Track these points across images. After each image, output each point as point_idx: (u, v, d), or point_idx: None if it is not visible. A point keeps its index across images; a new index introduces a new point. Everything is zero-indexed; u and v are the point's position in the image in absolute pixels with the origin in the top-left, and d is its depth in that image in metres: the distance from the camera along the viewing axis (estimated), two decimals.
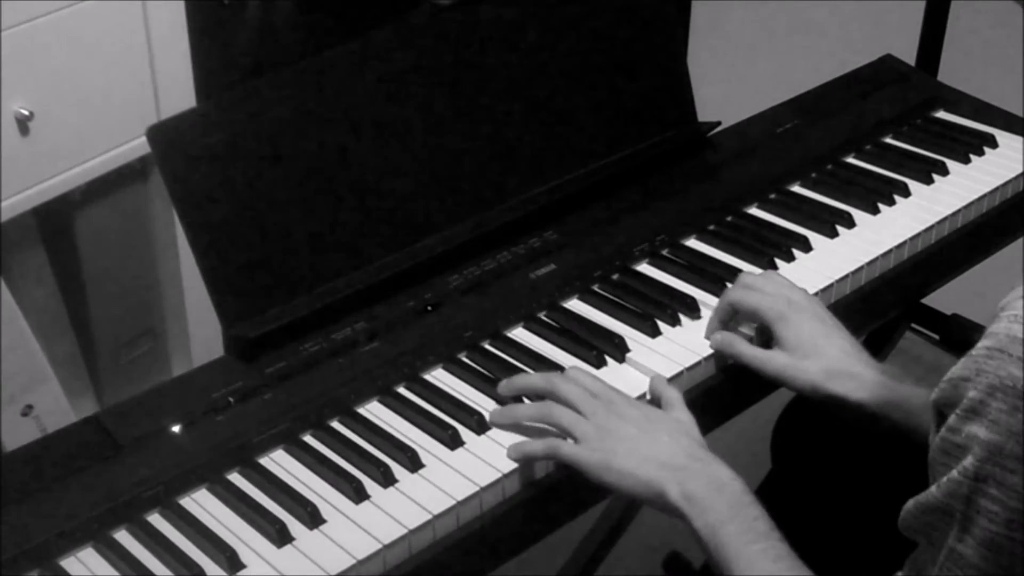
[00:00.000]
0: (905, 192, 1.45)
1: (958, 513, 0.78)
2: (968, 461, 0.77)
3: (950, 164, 1.50)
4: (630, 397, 1.11)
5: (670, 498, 1.01)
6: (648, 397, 1.14)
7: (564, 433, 1.08)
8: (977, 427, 0.76)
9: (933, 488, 0.80)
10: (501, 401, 1.14)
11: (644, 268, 1.33)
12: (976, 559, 0.78)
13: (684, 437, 1.06)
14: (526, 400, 1.14)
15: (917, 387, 1.11)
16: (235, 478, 1.08)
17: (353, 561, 1.00)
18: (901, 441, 1.11)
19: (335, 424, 1.14)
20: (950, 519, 0.79)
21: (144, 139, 1.16)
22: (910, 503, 0.83)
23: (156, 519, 1.05)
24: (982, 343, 0.78)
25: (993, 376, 0.76)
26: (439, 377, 1.19)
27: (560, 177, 1.37)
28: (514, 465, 1.07)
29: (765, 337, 1.19)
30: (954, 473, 0.78)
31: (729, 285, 1.24)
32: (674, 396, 1.11)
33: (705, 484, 1.01)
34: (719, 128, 1.52)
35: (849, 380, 1.12)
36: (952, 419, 0.78)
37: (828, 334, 1.15)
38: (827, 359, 1.14)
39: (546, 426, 1.10)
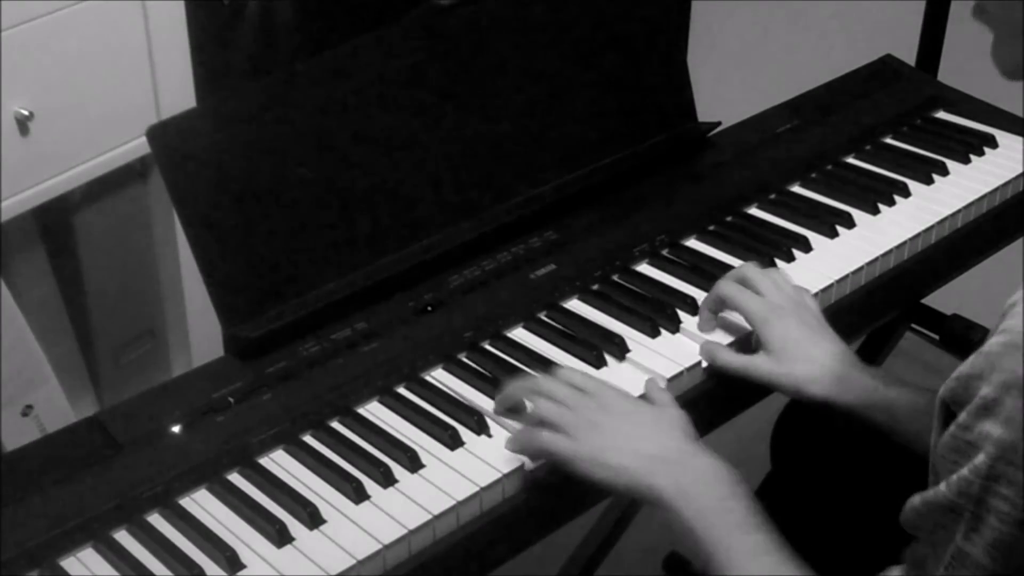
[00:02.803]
0: (905, 192, 1.45)
1: (967, 512, 0.77)
2: (980, 459, 0.75)
3: (950, 164, 1.50)
4: (619, 389, 1.10)
5: (662, 492, 0.99)
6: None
7: (554, 429, 1.07)
8: (990, 425, 0.75)
9: (942, 486, 0.79)
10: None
11: (644, 268, 1.33)
12: (984, 559, 0.77)
13: (675, 430, 1.05)
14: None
15: (904, 389, 1.11)
16: (235, 478, 1.08)
17: (353, 561, 0.99)
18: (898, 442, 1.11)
19: (335, 424, 1.13)
20: (958, 518, 0.78)
21: (144, 139, 1.16)
22: (916, 500, 0.82)
23: (156, 519, 1.04)
24: (995, 339, 0.77)
25: (1008, 373, 0.74)
26: (439, 377, 1.19)
27: (560, 177, 1.37)
28: (514, 465, 1.07)
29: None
30: (964, 471, 0.76)
31: None
32: (665, 396, 1.11)
33: (698, 477, 1.00)
34: (719, 128, 1.52)
35: (834, 382, 1.12)
36: (963, 416, 0.77)
37: (813, 338, 1.15)
38: (811, 363, 1.14)
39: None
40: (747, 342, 1.20)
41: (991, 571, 0.77)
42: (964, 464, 0.77)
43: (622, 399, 1.08)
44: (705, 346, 1.20)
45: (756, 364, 1.16)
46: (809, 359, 1.14)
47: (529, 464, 1.08)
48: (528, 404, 1.11)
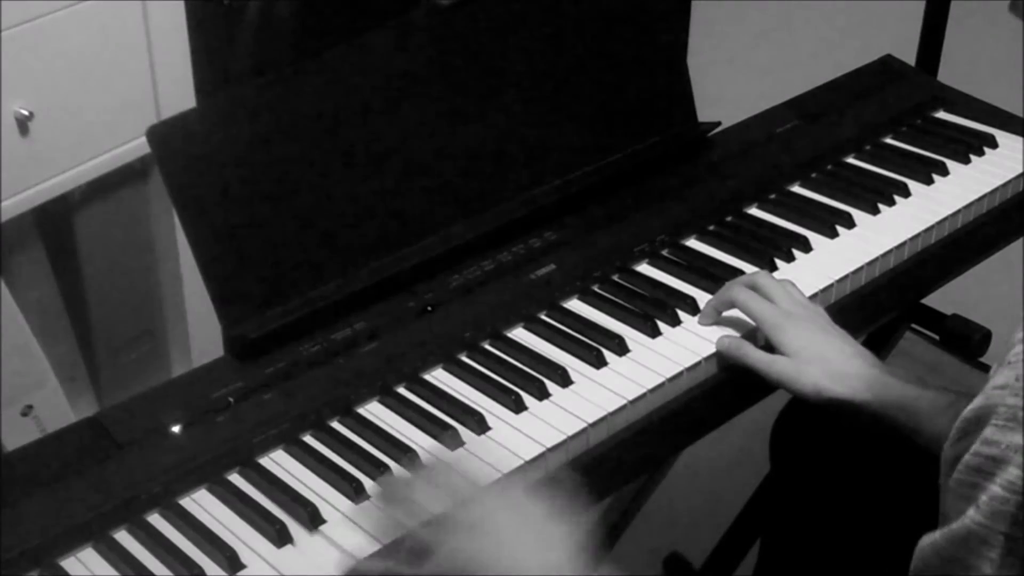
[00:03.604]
0: (905, 192, 1.45)
1: (1001, 535, 0.72)
2: (1013, 474, 0.71)
3: (950, 164, 1.50)
4: (517, 496, 0.99)
5: None
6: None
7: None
8: (1020, 437, 0.71)
9: (970, 512, 0.73)
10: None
11: (644, 268, 1.33)
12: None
13: (556, 553, 0.94)
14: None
15: (924, 388, 1.10)
16: (235, 478, 1.08)
17: (353, 562, 0.99)
18: (900, 442, 1.10)
19: (335, 424, 1.13)
20: (986, 545, 0.73)
21: (144, 139, 1.16)
22: (936, 537, 0.77)
23: (156, 519, 1.04)
24: (1018, 348, 0.74)
25: None
26: (439, 377, 1.19)
27: (560, 177, 1.37)
28: (514, 465, 1.07)
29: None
30: (996, 489, 0.72)
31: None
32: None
33: None
34: (719, 128, 1.52)
35: (853, 380, 1.12)
36: (989, 430, 0.73)
37: (828, 339, 1.15)
38: (830, 361, 1.13)
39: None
40: (750, 339, 1.20)
41: None
42: (987, 483, 0.72)
43: (513, 505, 0.96)
44: (727, 341, 1.19)
45: (776, 361, 1.15)
46: (826, 359, 1.13)
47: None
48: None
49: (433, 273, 1.27)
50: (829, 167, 1.51)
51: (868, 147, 1.55)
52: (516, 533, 0.93)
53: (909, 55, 1.90)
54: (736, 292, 1.20)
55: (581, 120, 1.39)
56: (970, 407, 0.76)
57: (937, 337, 1.85)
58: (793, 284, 1.23)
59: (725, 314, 1.23)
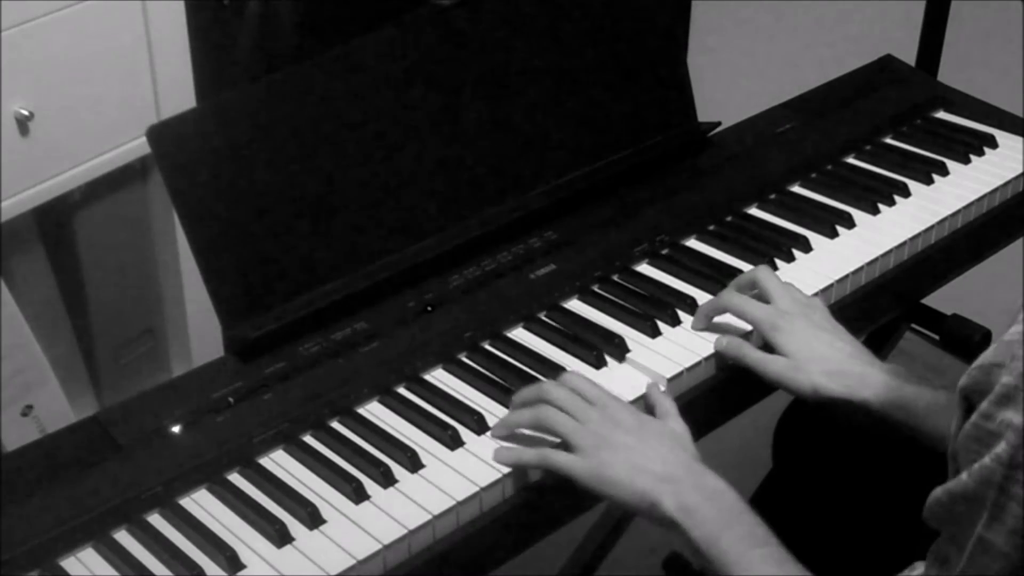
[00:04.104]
0: (905, 192, 1.45)
1: (989, 501, 0.76)
2: (1001, 448, 0.75)
3: (950, 164, 1.50)
4: (625, 403, 1.09)
5: (665, 510, 0.99)
6: (644, 403, 1.14)
7: (560, 439, 1.06)
8: (1012, 413, 0.74)
9: (964, 476, 0.78)
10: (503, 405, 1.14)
11: (644, 268, 1.33)
12: (1006, 547, 0.76)
13: (678, 448, 1.04)
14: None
15: (922, 387, 1.10)
16: (235, 478, 1.08)
17: (353, 561, 1.00)
18: (902, 441, 1.10)
19: (335, 424, 1.13)
20: (980, 508, 0.77)
21: (144, 139, 1.16)
22: (939, 492, 0.81)
23: (156, 519, 1.04)
24: (1016, 328, 0.77)
25: None
26: (439, 377, 1.19)
27: (560, 177, 1.37)
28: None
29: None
30: (987, 460, 0.76)
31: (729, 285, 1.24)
32: (669, 406, 1.10)
33: (701, 495, 1.00)
34: (719, 128, 1.52)
35: (851, 379, 1.12)
36: (985, 405, 0.77)
37: (825, 337, 1.15)
38: (827, 361, 1.13)
39: (542, 434, 1.09)
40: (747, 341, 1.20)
41: (1013, 560, 0.76)
42: (986, 453, 0.76)
43: (628, 413, 1.07)
44: (725, 341, 1.19)
45: (774, 361, 1.15)
46: (824, 358, 1.13)
47: (534, 475, 1.08)
48: (520, 415, 1.10)
49: (433, 273, 1.27)
50: (829, 167, 1.51)
51: (868, 147, 1.55)
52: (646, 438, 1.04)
53: (909, 55, 1.91)
54: (728, 297, 1.20)
55: (581, 120, 1.39)
56: (964, 380, 0.79)
57: (937, 337, 1.85)
58: (792, 287, 1.23)
59: (718, 319, 1.22)
